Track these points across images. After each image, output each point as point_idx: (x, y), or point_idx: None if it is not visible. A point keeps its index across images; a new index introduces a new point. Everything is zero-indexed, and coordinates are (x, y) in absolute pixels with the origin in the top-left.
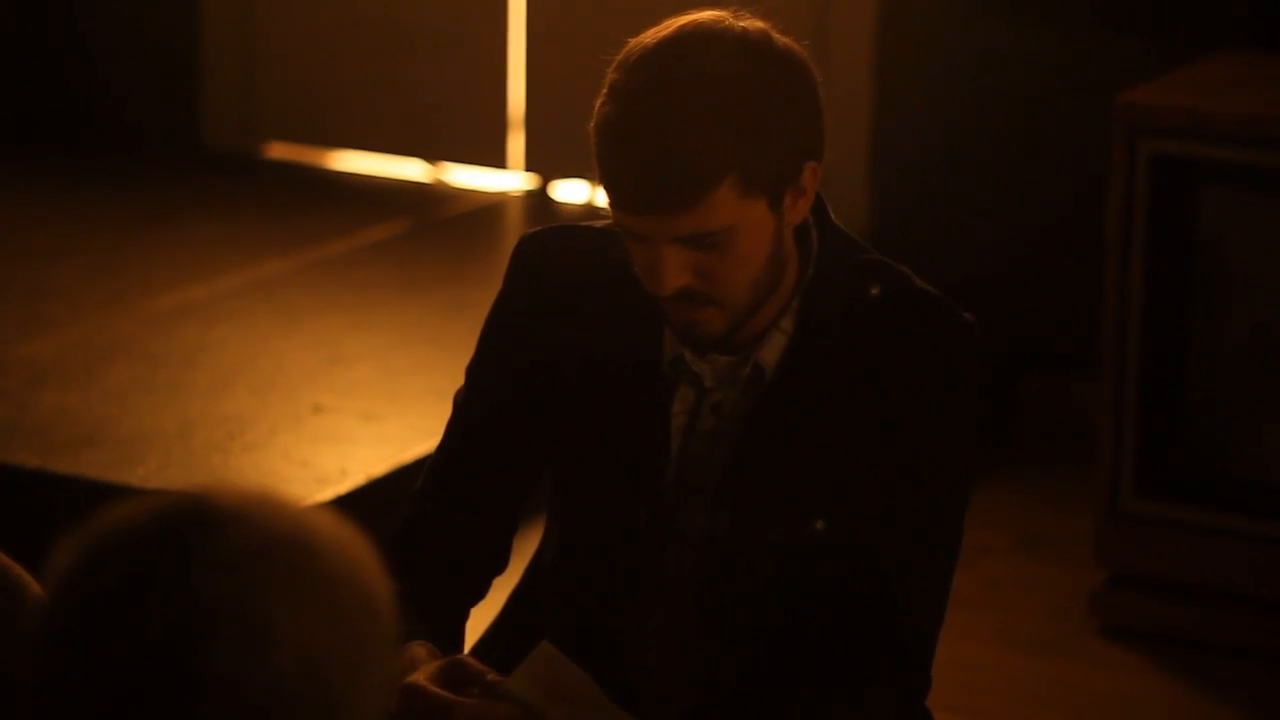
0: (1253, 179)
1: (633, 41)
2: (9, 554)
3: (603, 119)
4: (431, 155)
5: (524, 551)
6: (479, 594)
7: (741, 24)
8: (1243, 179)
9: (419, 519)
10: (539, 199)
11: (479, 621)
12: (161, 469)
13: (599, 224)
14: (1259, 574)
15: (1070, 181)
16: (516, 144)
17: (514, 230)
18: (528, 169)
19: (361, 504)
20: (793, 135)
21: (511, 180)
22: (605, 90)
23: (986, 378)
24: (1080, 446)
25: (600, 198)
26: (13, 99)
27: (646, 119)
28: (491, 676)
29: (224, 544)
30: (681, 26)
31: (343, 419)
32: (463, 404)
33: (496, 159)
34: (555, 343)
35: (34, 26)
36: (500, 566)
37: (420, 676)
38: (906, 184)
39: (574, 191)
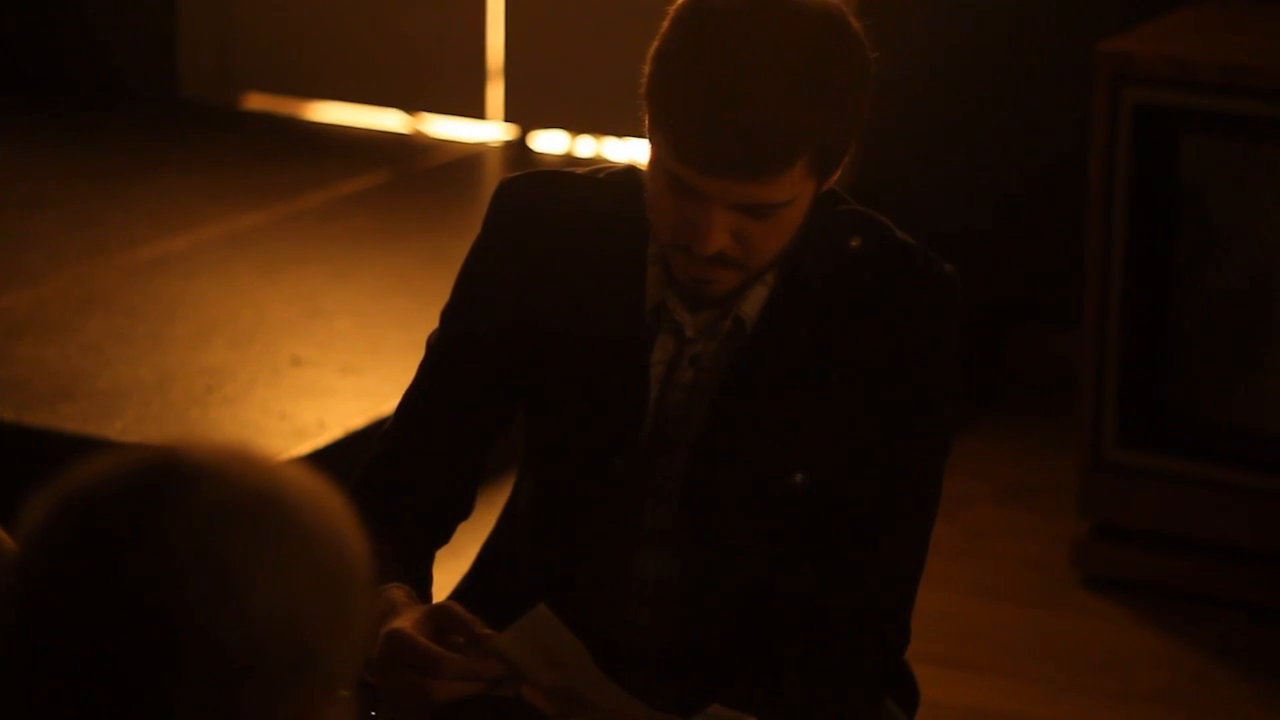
0: (1236, 128)
1: None
2: None
3: (683, 71)
4: (411, 106)
5: (494, 501)
6: (443, 537)
7: None
8: (1226, 128)
9: (384, 459)
10: (518, 149)
11: (453, 573)
12: (139, 422)
13: (581, 170)
14: (1241, 524)
15: (1053, 130)
16: (496, 94)
17: (493, 181)
18: (507, 119)
19: (340, 457)
20: (858, 117)
21: (491, 131)
22: (679, 38)
23: (967, 329)
24: (1063, 397)
25: (580, 148)
26: None
27: (739, 84)
28: (480, 626)
29: (198, 499)
30: None
31: (322, 372)
32: (435, 346)
33: (476, 109)
34: (533, 288)
35: None
36: (464, 512)
37: (406, 624)
38: (889, 136)
39: (553, 142)
